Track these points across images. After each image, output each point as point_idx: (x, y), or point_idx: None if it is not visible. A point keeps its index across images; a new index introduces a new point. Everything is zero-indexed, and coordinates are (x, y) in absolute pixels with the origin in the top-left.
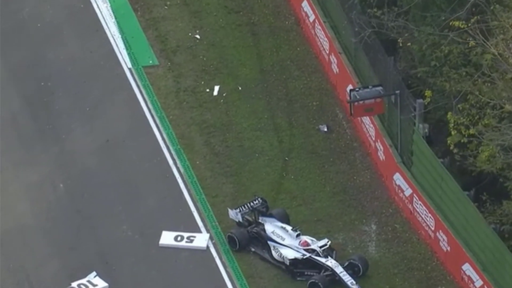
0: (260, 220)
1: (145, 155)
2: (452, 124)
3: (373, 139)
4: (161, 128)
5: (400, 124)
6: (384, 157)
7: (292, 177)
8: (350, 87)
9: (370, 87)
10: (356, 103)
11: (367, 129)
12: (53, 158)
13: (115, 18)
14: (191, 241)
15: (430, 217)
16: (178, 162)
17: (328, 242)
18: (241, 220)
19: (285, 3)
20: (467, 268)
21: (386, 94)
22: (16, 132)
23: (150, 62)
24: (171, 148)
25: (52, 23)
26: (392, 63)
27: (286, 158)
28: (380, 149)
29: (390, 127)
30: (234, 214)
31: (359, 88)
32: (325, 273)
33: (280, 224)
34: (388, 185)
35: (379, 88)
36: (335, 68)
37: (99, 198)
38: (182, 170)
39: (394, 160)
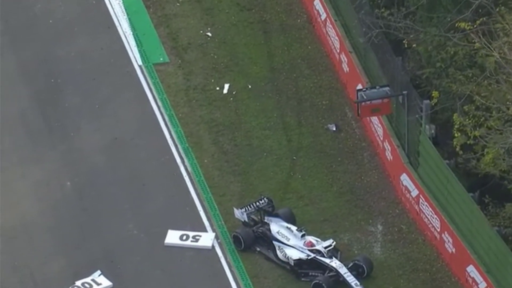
0: (265, 220)
1: (153, 153)
2: (457, 126)
3: (381, 139)
4: (170, 126)
5: (407, 125)
6: (391, 157)
7: (300, 176)
8: (359, 86)
9: (377, 87)
10: (363, 103)
11: (375, 129)
12: (61, 156)
13: (127, 15)
14: (197, 240)
15: (435, 218)
16: (186, 160)
17: (333, 242)
18: (246, 220)
19: (297, 1)
20: (471, 270)
21: (393, 94)
22: (25, 129)
23: (161, 59)
24: (179, 146)
25: (63, 20)
26: (400, 63)
27: (294, 158)
28: (388, 149)
29: (398, 128)
30: (239, 214)
31: (366, 88)
32: (329, 274)
33: (285, 224)
34: (395, 185)
35: (386, 88)
36: (345, 67)
37: (106, 196)
38: (189, 168)
39: (401, 160)
